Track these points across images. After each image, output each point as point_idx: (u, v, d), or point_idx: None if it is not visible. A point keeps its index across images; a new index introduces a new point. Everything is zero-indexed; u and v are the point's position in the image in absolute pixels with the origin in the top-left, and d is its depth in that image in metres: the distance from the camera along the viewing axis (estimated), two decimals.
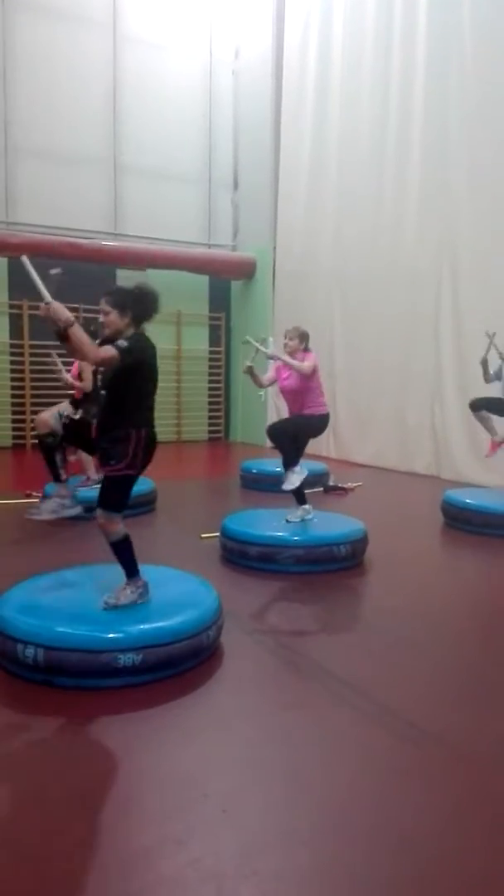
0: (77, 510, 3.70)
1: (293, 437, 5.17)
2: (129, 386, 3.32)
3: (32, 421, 10.86)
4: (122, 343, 3.23)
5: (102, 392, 3.50)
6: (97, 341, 3.39)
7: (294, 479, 5.07)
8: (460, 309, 8.38)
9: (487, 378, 6.27)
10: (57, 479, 3.70)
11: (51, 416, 3.59)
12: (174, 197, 12.24)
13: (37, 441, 3.62)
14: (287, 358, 5.16)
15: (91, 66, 11.45)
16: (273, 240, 11.82)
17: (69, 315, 3.15)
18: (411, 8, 8.95)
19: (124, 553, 3.39)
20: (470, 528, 5.90)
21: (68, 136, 11.28)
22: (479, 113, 8.04)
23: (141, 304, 3.42)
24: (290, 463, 5.12)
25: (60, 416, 3.60)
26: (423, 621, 3.90)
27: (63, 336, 3.15)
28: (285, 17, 11.36)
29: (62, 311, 3.11)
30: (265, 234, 11.98)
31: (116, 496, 3.35)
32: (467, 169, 8.22)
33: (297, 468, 5.12)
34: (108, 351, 3.20)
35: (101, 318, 3.38)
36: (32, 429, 11.04)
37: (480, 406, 6.27)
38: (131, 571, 3.39)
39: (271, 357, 5.39)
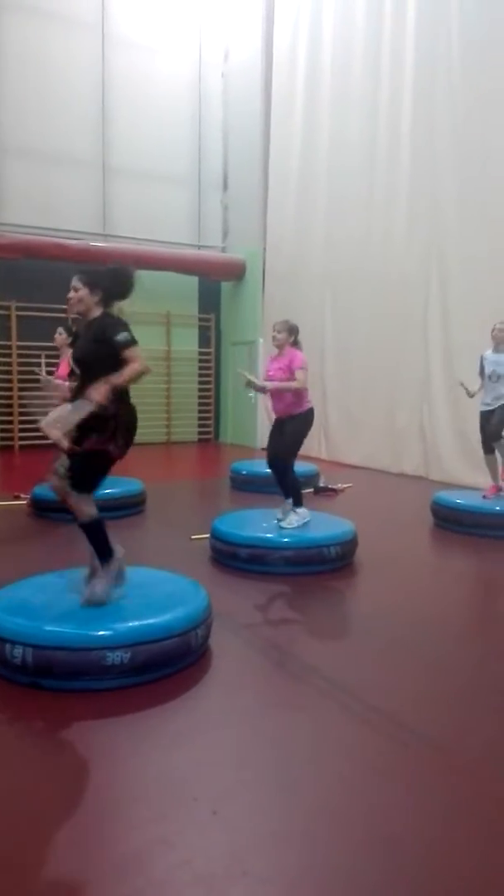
0: (120, 550, 3.49)
1: (292, 450, 5.12)
2: (108, 363, 3.25)
3: (20, 423, 10.85)
4: (126, 336, 3.22)
5: (76, 367, 3.45)
6: (70, 339, 3.37)
7: (294, 520, 5.05)
8: (449, 312, 8.42)
9: (477, 387, 6.27)
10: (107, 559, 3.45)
11: (60, 485, 3.34)
12: (164, 198, 12.24)
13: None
14: (279, 385, 5.04)
15: (80, 68, 11.43)
16: (263, 241, 11.83)
17: (93, 396, 3.12)
18: (400, 11, 8.99)
19: (97, 535, 3.33)
20: (460, 529, 5.92)
21: (57, 137, 11.25)
22: (467, 118, 8.08)
23: (115, 284, 3.40)
24: (295, 501, 5.11)
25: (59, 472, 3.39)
26: (413, 622, 3.90)
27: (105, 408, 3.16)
28: (275, 20, 11.38)
29: (74, 419, 3.10)
30: (255, 235, 11.99)
31: (90, 474, 3.28)
32: (455, 173, 8.26)
33: (302, 510, 5.11)
34: (137, 354, 3.21)
35: (71, 295, 3.36)
36: (21, 431, 10.98)
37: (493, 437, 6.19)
38: (104, 552, 3.34)
39: (260, 390, 5.25)
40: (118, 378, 3.16)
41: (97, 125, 11.61)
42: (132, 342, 3.23)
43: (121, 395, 3.28)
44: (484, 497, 6.14)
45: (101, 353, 3.27)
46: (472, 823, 2.18)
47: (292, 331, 5.16)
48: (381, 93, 9.37)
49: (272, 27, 11.44)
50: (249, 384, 5.18)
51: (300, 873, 1.94)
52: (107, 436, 3.23)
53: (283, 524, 5.04)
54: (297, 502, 5.16)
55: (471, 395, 6.36)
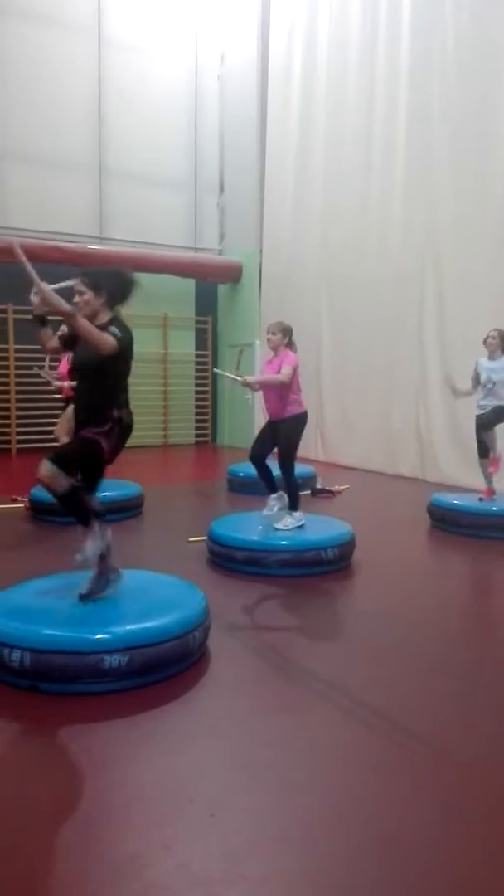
0: (108, 534, 3.48)
1: (289, 457, 5.14)
2: (113, 369, 3.32)
3: (18, 426, 10.84)
4: (116, 331, 3.24)
5: (76, 372, 3.48)
6: (59, 334, 3.41)
7: (289, 522, 5.06)
8: (444, 313, 8.44)
9: (470, 388, 6.29)
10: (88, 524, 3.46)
11: (48, 469, 3.31)
12: (160, 201, 12.25)
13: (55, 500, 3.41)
14: (262, 379, 5.15)
15: (77, 71, 11.44)
16: (259, 243, 11.84)
17: (66, 306, 3.12)
18: (395, 15, 9.02)
19: (75, 504, 3.31)
20: (457, 530, 5.93)
21: (54, 139, 11.26)
22: (462, 119, 8.10)
23: (116, 286, 3.41)
24: (292, 504, 5.12)
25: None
26: (411, 624, 3.91)
27: (42, 319, 3.22)
28: (270, 23, 11.39)
29: (59, 301, 3.10)
30: (251, 237, 12.00)
31: (76, 460, 3.30)
32: (450, 176, 8.28)
33: (298, 514, 5.12)
34: (111, 339, 3.20)
35: (77, 299, 3.36)
36: (18, 434, 10.98)
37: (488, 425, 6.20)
38: (85, 520, 3.34)
39: (245, 385, 5.33)
40: (84, 322, 3.13)
41: (94, 128, 11.62)
42: (115, 334, 3.22)
43: (122, 402, 3.35)
44: (480, 499, 6.16)
45: (105, 362, 3.27)
46: (469, 824, 2.18)
47: (286, 332, 5.20)
48: (376, 95, 9.39)
49: (268, 30, 11.46)
50: (234, 383, 5.27)
51: (298, 876, 1.94)
52: (104, 429, 3.27)
53: (279, 525, 5.05)
54: (294, 506, 5.16)
55: (455, 394, 6.36)
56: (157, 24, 12.04)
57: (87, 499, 3.40)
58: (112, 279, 3.42)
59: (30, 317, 3.41)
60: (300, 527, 5.07)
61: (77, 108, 11.46)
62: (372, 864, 1.99)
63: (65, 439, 3.60)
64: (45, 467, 3.22)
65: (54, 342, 3.59)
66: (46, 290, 3.11)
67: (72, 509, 3.34)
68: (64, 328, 3.51)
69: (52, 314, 3.20)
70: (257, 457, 5.30)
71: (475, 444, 6.37)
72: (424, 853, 2.03)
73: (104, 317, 3.37)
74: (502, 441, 6.38)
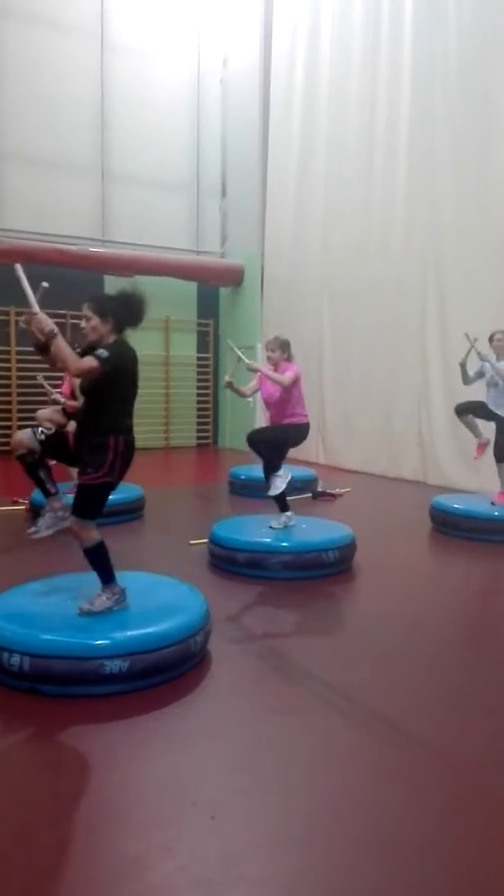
0: (125, 597, 3.47)
1: (272, 445, 5.16)
2: (108, 393, 3.27)
3: (19, 428, 10.85)
4: (102, 353, 3.16)
5: (81, 395, 3.45)
6: (78, 350, 3.38)
7: (279, 484, 5.06)
8: (446, 317, 8.44)
9: (466, 380, 6.31)
10: (47, 494, 3.59)
11: (26, 436, 3.44)
12: (162, 204, 12.27)
13: (17, 461, 3.51)
14: (267, 370, 5.16)
15: (79, 74, 11.47)
16: (261, 247, 11.86)
17: (53, 326, 3.13)
18: (398, 20, 9.03)
19: (98, 559, 3.33)
20: (458, 533, 5.93)
21: (56, 142, 11.28)
22: (464, 122, 8.11)
23: (125, 310, 3.36)
24: (272, 469, 5.12)
25: (36, 432, 3.46)
26: (411, 626, 3.91)
27: (43, 347, 3.16)
28: (273, 27, 11.42)
29: (47, 321, 3.11)
30: (253, 241, 12.02)
31: (92, 504, 3.31)
32: (453, 180, 8.29)
33: (281, 472, 5.12)
34: (89, 362, 3.14)
35: (83, 324, 3.32)
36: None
37: (465, 411, 6.33)
38: (106, 578, 3.34)
39: (252, 368, 5.30)
40: (62, 343, 3.12)
41: (96, 131, 11.65)
42: (100, 356, 3.14)
43: (124, 427, 3.32)
44: (474, 458, 6.31)
45: (103, 386, 3.24)
46: (468, 826, 2.19)
47: (284, 347, 5.23)
48: (378, 100, 9.40)
49: (271, 34, 11.49)
50: (230, 384, 5.24)
51: (298, 878, 1.95)
52: (103, 470, 3.25)
53: (273, 524, 5.10)
54: (283, 508, 5.17)
55: (466, 382, 6.33)
56: (160, 27, 12.07)
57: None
58: (119, 303, 3.36)
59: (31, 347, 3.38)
60: (291, 525, 5.11)
61: (80, 110, 11.49)
62: (372, 865, 1.99)
63: (47, 424, 3.58)
64: (75, 521, 3.29)
65: None
66: (41, 317, 3.10)
67: (96, 564, 3.34)
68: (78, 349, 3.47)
69: (49, 333, 3.16)
70: (251, 438, 5.34)
71: (476, 442, 6.37)
72: (424, 855, 2.03)
73: (109, 339, 3.31)
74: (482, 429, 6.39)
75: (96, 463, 3.25)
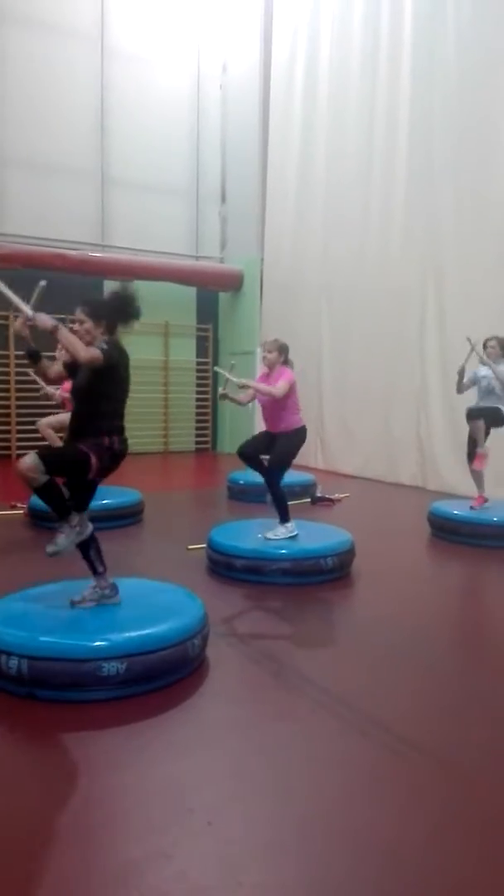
0: (90, 528, 3.49)
1: (281, 463, 5.06)
2: (101, 391, 3.32)
3: (18, 432, 10.85)
4: (102, 345, 3.27)
5: (73, 397, 3.49)
6: (63, 360, 3.43)
7: (280, 533, 5.01)
8: (445, 323, 8.46)
9: (460, 388, 6.31)
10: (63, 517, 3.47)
11: (33, 461, 3.31)
12: (162, 209, 12.30)
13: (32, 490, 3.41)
14: (257, 384, 5.09)
15: (79, 80, 11.50)
16: (261, 252, 11.89)
17: (54, 321, 3.19)
18: (397, 27, 9.08)
19: (49, 495, 3.30)
20: (457, 539, 5.93)
21: (56, 148, 11.31)
22: (463, 130, 8.15)
23: (117, 309, 3.41)
24: (282, 517, 5.04)
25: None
26: (410, 632, 3.91)
27: (34, 356, 3.29)
28: (273, 33, 11.47)
29: (45, 320, 3.16)
30: (253, 246, 12.05)
31: (63, 464, 3.29)
32: (452, 186, 8.32)
33: (290, 524, 5.04)
34: (94, 351, 3.21)
35: (76, 327, 3.36)
36: (18, 440, 10.99)
37: (479, 416, 6.16)
38: (61, 512, 3.33)
39: (242, 386, 5.23)
40: (66, 332, 3.17)
41: (96, 136, 11.68)
42: (101, 347, 3.23)
43: (116, 429, 3.35)
44: (474, 468, 6.18)
45: (99, 383, 3.28)
46: (466, 832, 2.18)
47: (282, 350, 5.15)
48: (377, 106, 9.44)
49: (270, 40, 11.54)
50: (225, 395, 5.22)
51: (295, 884, 1.95)
52: (98, 446, 3.26)
53: (269, 535, 5.01)
54: (284, 518, 5.08)
55: (460, 390, 6.32)
56: (160, 33, 12.12)
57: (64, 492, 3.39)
58: (111, 305, 3.41)
59: (30, 323, 3.41)
60: (292, 537, 5.02)
61: (79, 116, 11.53)
62: (369, 871, 1.99)
63: (48, 431, 3.62)
64: (30, 459, 3.20)
65: (57, 368, 3.62)
66: (40, 317, 3.16)
67: (47, 500, 3.32)
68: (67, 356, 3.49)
69: (44, 339, 3.22)
70: (245, 453, 5.19)
71: (475, 459, 6.35)
72: (422, 860, 2.03)
73: (102, 339, 3.36)
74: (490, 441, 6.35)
75: (94, 434, 3.29)
